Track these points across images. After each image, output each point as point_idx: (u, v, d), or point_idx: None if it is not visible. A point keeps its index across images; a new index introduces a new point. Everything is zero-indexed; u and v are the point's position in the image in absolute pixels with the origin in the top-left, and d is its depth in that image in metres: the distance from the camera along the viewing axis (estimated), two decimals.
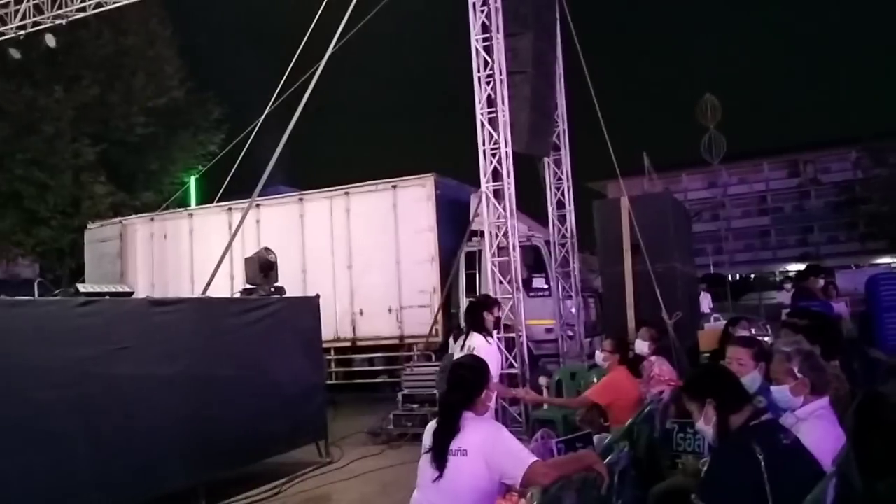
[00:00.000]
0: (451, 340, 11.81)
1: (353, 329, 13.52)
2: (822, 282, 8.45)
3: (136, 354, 6.54)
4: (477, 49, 10.26)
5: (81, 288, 7.35)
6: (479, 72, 10.25)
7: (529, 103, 10.88)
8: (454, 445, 3.31)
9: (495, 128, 10.10)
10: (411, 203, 13.11)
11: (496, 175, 10.15)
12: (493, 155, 10.12)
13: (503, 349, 8.98)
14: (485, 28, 10.25)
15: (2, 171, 20.22)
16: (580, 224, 13.03)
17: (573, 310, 12.79)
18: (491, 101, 10.17)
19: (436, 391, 9.88)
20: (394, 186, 13.39)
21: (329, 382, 10.93)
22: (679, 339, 10.34)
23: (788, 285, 15.99)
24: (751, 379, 4.16)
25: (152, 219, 16.56)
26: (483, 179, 10.18)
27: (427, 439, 3.48)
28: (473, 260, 12.42)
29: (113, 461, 6.17)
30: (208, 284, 9.88)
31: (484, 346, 5.90)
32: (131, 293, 8.20)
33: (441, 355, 11.56)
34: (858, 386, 4.43)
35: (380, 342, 13.35)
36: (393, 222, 13.25)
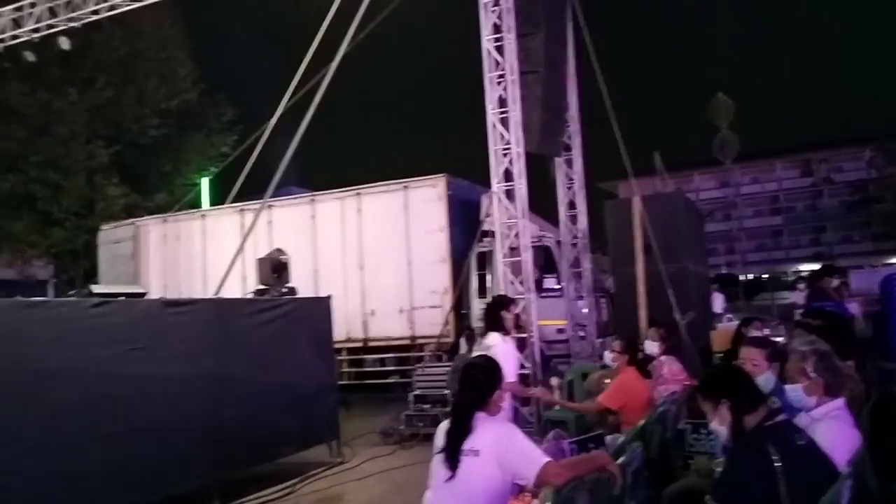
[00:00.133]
0: (462, 341, 11.84)
1: (365, 329, 13.54)
2: (836, 282, 8.39)
3: (150, 355, 6.58)
4: (488, 49, 10.27)
5: (95, 289, 7.42)
6: (490, 72, 10.26)
7: (541, 103, 10.88)
8: (466, 445, 3.31)
9: (507, 128, 10.10)
10: (423, 203, 13.13)
11: (508, 175, 10.15)
12: (505, 155, 10.12)
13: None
14: (496, 28, 10.25)
15: (17, 173, 20.35)
16: (592, 224, 13.01)
17: (585, 310, 12.77)
18: (502, 102, 10.17)
19: (447, 391, 9.88)
20: (405, 187, 13.41)
21: (341, 383, 10.95)
22: (691, 339, 10.29)
23: (802, 285, 15.91)
24: (764, 379, 4.14)
25: (165, 220, 16.66)
26: (494, 180, 10.17)
27: (439, 439, 3.48)
28: (485, 260, 12.42)
29: (126, 461, 6.21)
30: (221, 285, 9.93)
31: (500, 345, 5.90)
32: (145, 294, 8.26)
33: (452, 356, 11.57)
34: (873, 386, 4.41)
35: (391, 342, 13.38)
36: (404, 223, 13.26)
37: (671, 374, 6.94)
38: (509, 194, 10.18)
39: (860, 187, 56.44)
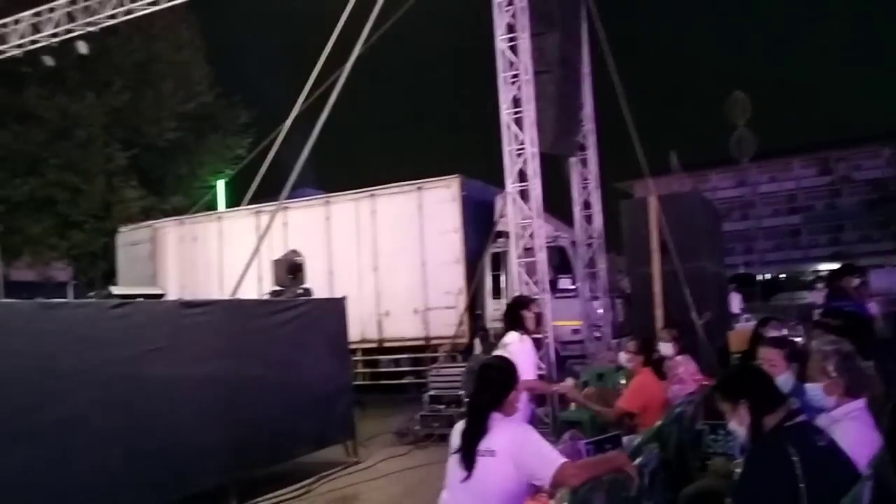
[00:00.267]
0: (476, 341, 11.83)
1: (380, 330, 13.57)
2: (856, 281, 8.28)
3: (168, 355, 6.63)
4: (502, 49, 10.25)
5: (114, 290, 7.48)
6: (504, 72, 10.24)
7: (555, 103, 10.85)
8: (482, 446, 3.31)
9: (521, 128, 10.08)
10: (437, 204, 13.13)
11: (522, 175, 10.13)
12: (519, 155, 10.10)
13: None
14: (510, 28, 10.24)
15: (36, 176, 20.55)
16: (607, 224, 12.96)
17: (600, 311, 12.72)
18: (516, 102, 10.15)
19: (462, 392, 9.88)
20: (419, 188, 13.43)
21: (356, 383, 10.98)
22: (709, 339, 10.23)
23: (820, 285, 15.78)
24: (783, 380, 4.10)
25: (182, 222, 16.78)
26: (509, 180, 10.16)
27: (455, 440, 3.48)
28: (499, 261, 12.41)
29: (145, 460, 6.25)
30: (237, 286, 9.98)
31: (516, 343, 5.90)
32: (163, 295, 8.32)
33: (467, 356, 11.56)
34: (893, 387, 4.36)
35: (406, 343, 13.40)
36: (418, 224, 13.28)
37: (688, 374, 6.91)
38: (524, 194, 10.16)
39: (880, 185, 55.82)
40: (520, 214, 10.16)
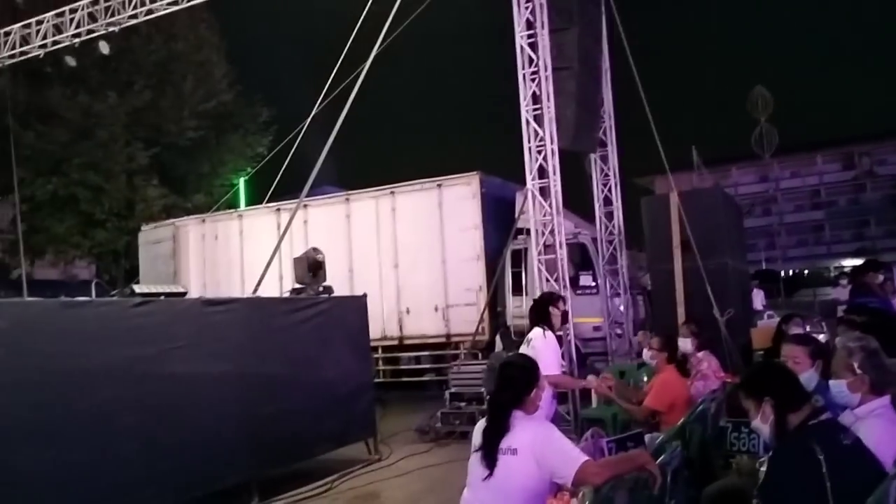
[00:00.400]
0: (497, 339, 11.81)
1: (400, 327, 13.59)
2: (881, 277, 8.18)
3: (191, 353, 6.68)
4: (521, 46, 10.21)
5: (137, 288, 7.54)
6: (523, 68, 10.20)
7: (575, 99, 10.79)
8: (504, 444, 3.31)
9: (540, 125, 10.05)
10: (456, 202, 13.13)
11: (542, 172, 10.10)
12: (539, 152, 10.07)
13: None
14: (529, 24, 10.19)
15: (59, 176, 20.77)
16: (628, 221, 12.89)
17: (621, 307, 12.66)
18: (536, 98, 10.11)
19: (483, 389, 9.88)
20: (439, 185, 13.42)
21: (377, 381, 11.01)
22: (731, 336, 10.15)
23: (844, 281, 15.59)
24: (807, 377, 4.06)
25: (204, 220, 16.88)
26: (529, 177, 10.12)
27: (476, 438, 3.48)
28: (519, 258, 12.37)
29: (168, 458, 6.31)
30: (258, 284, 10.03)
31: (540, 339, 5.89)
32: (185, 293, 8.37)
33: (488, 353, 11.55)
34: None
35: (426, 340, 13.42)
36: (438, 221, 13.28)
37: (711, 370, 6.86)
38: (544, 191, 10.12)
39: None
40: (540, 211, 10.13)
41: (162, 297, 7.10)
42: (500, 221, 12.73)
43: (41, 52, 15.27)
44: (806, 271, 51.86)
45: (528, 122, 10.12)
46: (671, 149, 12.85)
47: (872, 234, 58.06)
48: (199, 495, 6.62)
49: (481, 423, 3.51)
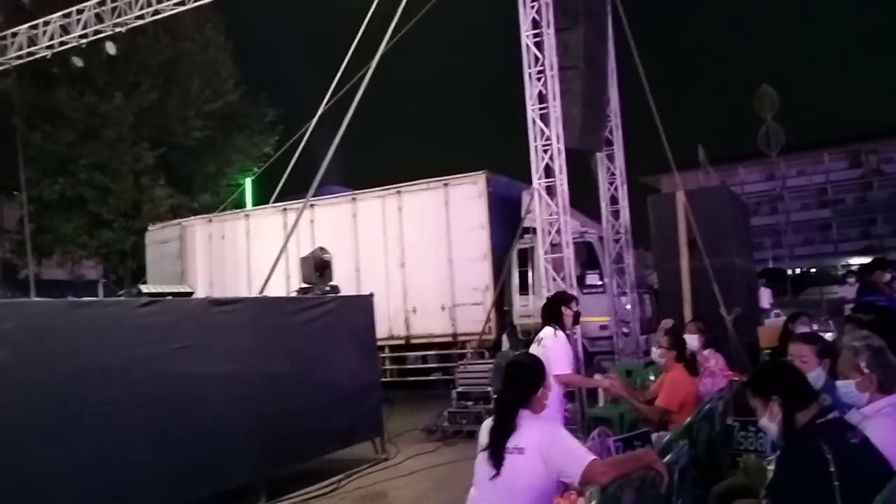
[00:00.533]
0: (504, 338, 11.81)
1: (407, 327, 13.61)
2: (888, 276, 8.15)
3: (197, 353, 6.70)
4: (527, 45, 10.21)
5: (144, 288, 7.55)
6: (529, 68, 10.21)
7: (581, 98, 10.79)
8: (511, 443, 3.31)
9: (547, 124, 10.05)
10: (463, 201, 13.13)
11: (548, 171, 10.10)
12: (545, 151, 10.07)
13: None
14: (535, 24, 10.19)
15: (67, 176, 20.83)
16: (634, 219, 12.88)
17: (628, 306, 12.65)
18: (542, 97, 10.11)
19: (490, 388, 9.88)
20: (445, 185, 13.43)
21: (384, 380, 11.02)
22: (738, 335, 10.14)
23: (851, 279, 15.56)
24: (815, 376, 4.05)
25: (210, 220, 16.93)
26: (535, 176, 10.13)
27: (483, 437, 3.48)
28: (526, 257, 12.38)
29: (175, 457, 6.33)
30: (265, 284, 10.06)
31: (551, 338, 5.89)
32: (191, 293, 8.39)
33: (494, 353, 11.56)
34: None
35: (433, 340, 13.42)
36: (445, 220, 13.29)
37: (718, 368, 6.87)
38: (550, 190, 10.12)
39: None
40: (547, 210, 10.13)
41: (169, 297, 7.12)
42: (506, 220, 12.73)
43: (48, 52, 15.33)
44: (813, 270, 51.69)
45: (534, 121, 10.12)
46: (677, 147, 12.84)
47: (880, 232, 57.89)
48: (206, 495, 6.64)
49: (488, 422, 3.51)
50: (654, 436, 4.79)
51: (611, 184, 12.77)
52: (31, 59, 15.74)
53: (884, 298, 7.57)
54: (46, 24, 15.13)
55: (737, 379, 6.46)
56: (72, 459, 5.48)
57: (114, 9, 14.23)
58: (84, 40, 14.78)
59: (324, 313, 8.56)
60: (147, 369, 6.18)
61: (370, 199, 14.41)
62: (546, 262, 10.05)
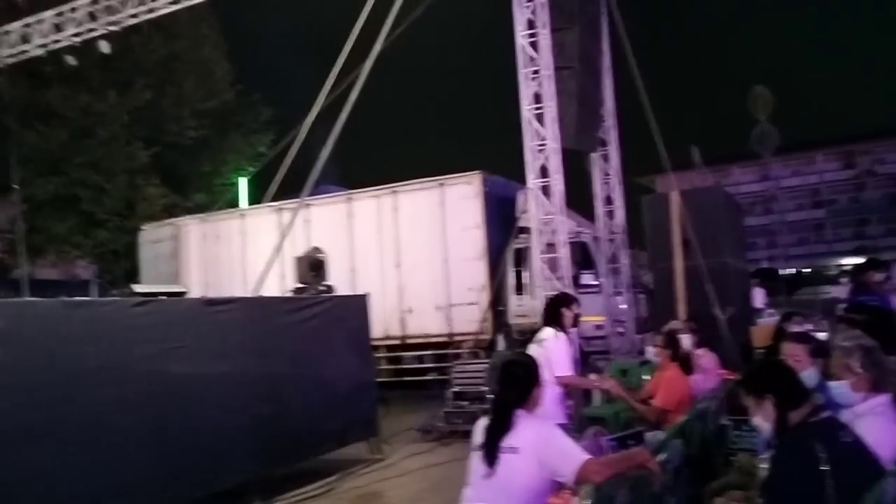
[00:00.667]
0: (499, 337, 11.82)
1: (403, 327, 13.60)
2: (880, 275, 8.18)
3: (191, 353, 6.68)
4: (522, 45, 10.23)
5: (137, 288, 7.54)
6: (524, 68, 10.22)
7: (576, 99, 10.82)
8: (505, 443, 3.31)
9: (542, 124, 10.06)
10: (459, 201, 13.13)
11: (543, 171, 10.12)
12: (540, 151, 10.09)
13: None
14: (530, 24, 10.21)
15: (60, 175, 20.77)
16: (629, 220, 12.91)
17: (623, 306, 12.67)
18: (537, 98, 10.14)
19: (485, 388, 9.89)
20: (441, 184, 13.43)
21: (379, 380, 11.01)
22: (732, 334, 10.17)
23: (845, 279, 15.60)
24: (807, 376, 4.07)
25: (205, 220, 16.89)
26: (530, 176, 10.16)
27: (478, 436, 3.49)
28: (521, 257, 12.39)
29: (169, 458, 6.32)
30: (260, 283, 10.04)
31: (552, 339, 5.89)
32: (185, 293, 8.38)
33: (490, 352, 11.57)
34: None
35: (429, 340, 13.42)
36: (440, 220, 13.29)
37: (710, 365, 6.91)
38: (545, 190, 10.15)
39: None
40: (542, 210, 10.15)
41: (162, 297, 7.11)
42: (502, 220, 12.74)
43: (42, 51, 15.28)
44: (806, 270, 51.81)
45: (529, 121, 10.14)
46: (672, 148, 12.86)
47: (873, 232, 58.03)
48: (200, 496, 6.62)
49: (482, 422, 3.52)
50: (647, 435, 4.80)
51: (606, 184, 12.80)
52: (24, 57, 15.68)
53: (876, 298, 7.61)
54: (40, 22, 15.08)
55: (729, 378, 6.47)
56: (64, 460, 5.46)
57: (107, 7, 14.19)
58: (77, 39, 14.73)
59: (319, 313, 8.55)
60: (140, 369, 6.16)
61: (366, 198, 14.40)
62: (541, 262, 10.08)
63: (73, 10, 14.59)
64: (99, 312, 6.25)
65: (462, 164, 13.44)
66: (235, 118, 24.62)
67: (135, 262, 18.99)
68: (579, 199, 13.37)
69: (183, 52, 22.90)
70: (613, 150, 12.78)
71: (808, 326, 6.49)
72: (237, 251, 15.65)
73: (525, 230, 11.52)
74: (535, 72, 10.15)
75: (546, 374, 5.16)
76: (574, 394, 8.94)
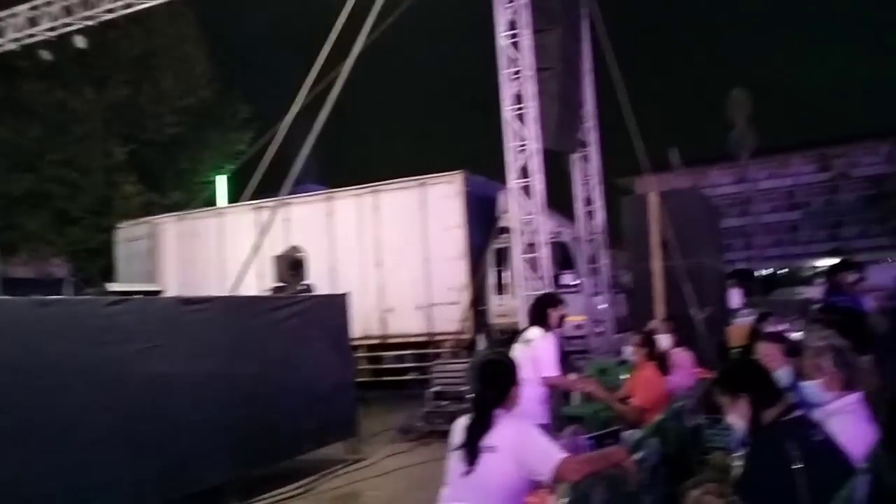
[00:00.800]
0: (480, 337, 11.84)
1: (383, 326, 13.57)
2: (853, 276, 8.30)
3: (167, 353, 6.60)
4: (503, 46, 10.25)
5: (111, 287, 7.47)
6: (505, 69, 10.24)
7: (557, 99, 10.87)
8: (485, 442, 3.32)
9: (523, 124, 10.09)
10: (440, 200, 13.12)
11: (524, 172, 10.15)
12: (521, 152, 10.13)
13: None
14: (512, 25, 10.24)
15: (34, 172, 20.50)
16: (609, 220, 12.99)
17: (602, 306, 12.74)
18: (518, 98, 10.17)
19: (466, 388, 9.89)
20: (422, 184, 13.41)
21: (359, 380, 10.98)
22: (709, 334, 10.27)
23: (819, 280, 15.79)
24: (781, 375, 4.12)
25: (182, 218, 16.74)
26: (511, 176, 10.18)
27: (456, 435, 3.49)
28: (502, 257, 12.42)
29: (144, 459, 6.25)
30: (237, 283, 9.99)
31: (540, 340, 5.90)
32: (161, 292, 8.32)
33: (470, 352, 11.58)
34: (891, 381, 4.37)
35: (409, 339, 13.39)
36: (421, 220, 13.27)
37: (686, 362, 6.98)
38: (526, 190, 10.18)
39: (877, 182, 55.86)
40: (523, 210, 10.18)
41: (137, 296, 7.03)
42: (483, 220, 12.76)
43: (16, 45, 15.07)
44: (782, 270, 52.32)
45: (510, 122, 10.16)
46: (651, 150, 12.96)
47: (847, 234, 58.78)
48: (176, 497, 6.56)
49: (461, 421, 3.52)
50: (624, 434, 4.84)
51: (586, 185, 12.87)
52: None
53: (848, 299, 7.71)
54: (13, 16, 14.87)
55: (705, 377, 6.54)
56: (37, 462, 5.37)
57: (83, 2, 14.02)
58: (53, 33, 14.54)
59: (297, 312, 8.50)
60: (115, 369, 6.08)
61: (346, 197, 14.36)
62: (522, 262, 10.10)
63: (48, 3, 14.41)
64: (72, 311, 6.16)
65: (443, 163, 13.46)
66: (214, 115, 24.44)
67: (110, 260, 18.79)
68: (560, 200, 13.43)
69: (161, 48, 22.70)
70: (594, 152, 12.85)
71: (783, 327, 6.58)
72: (215, 250, 15.53)
73: (506, 230, 11.55)
74: (517, 72, 10.18)
75: (531, 374, 5.19)
76: (554, 393, 8.99)
